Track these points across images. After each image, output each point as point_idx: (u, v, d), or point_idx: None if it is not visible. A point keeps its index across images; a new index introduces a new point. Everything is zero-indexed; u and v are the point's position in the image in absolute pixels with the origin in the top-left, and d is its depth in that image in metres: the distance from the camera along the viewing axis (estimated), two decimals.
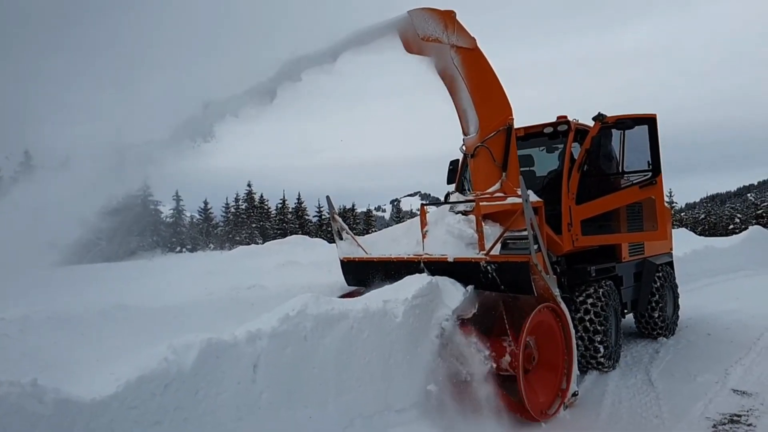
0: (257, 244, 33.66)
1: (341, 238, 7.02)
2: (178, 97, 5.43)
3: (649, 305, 8.44)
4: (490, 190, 6.33)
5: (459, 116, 6.52)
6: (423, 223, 6.24)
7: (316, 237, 22.77)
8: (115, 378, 3.20)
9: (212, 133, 5.53)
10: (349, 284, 7.00)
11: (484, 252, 5.44)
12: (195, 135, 5.45)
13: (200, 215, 58.40)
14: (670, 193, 53.50)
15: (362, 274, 6.69)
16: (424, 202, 7.15)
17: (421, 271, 5.81)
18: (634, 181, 7.41)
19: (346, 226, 7.12)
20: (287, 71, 5.60)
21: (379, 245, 6.84)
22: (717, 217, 51.86)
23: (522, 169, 6.97)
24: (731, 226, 45.92)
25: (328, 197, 7.28)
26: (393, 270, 6.11)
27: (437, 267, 5.75)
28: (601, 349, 6.65)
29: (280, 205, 62.58)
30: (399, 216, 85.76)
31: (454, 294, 5.44)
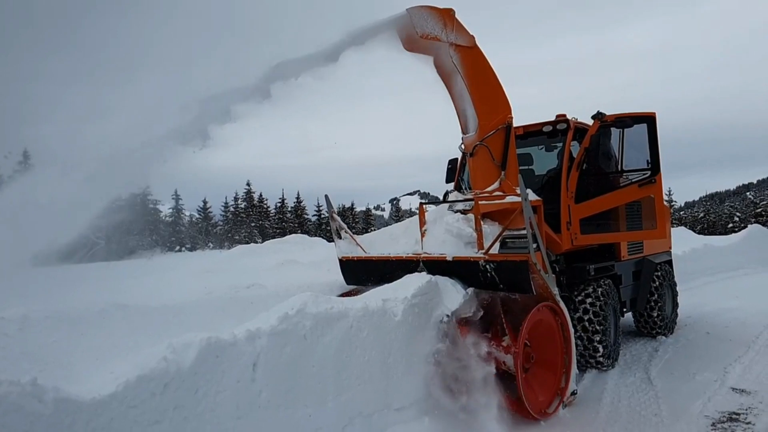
0: (256, 243, 33.69)
1: (340, 237, 7.02)
2: (171, 98, 5.31)
3: (648, 304, 8.46)
4: (489, 188, 6.33)
5: (458, 115, 6.52)
6: (422, 222, 6.24)
7: (316, 236, 22.78)
8: (115, 377, 3.20)
9: (207, 135, 5.43)
10: (347, 283, 7.00)
11: (483, 251, 5.44)
12: (191, 136, 5.36)
13: (199, 214, 58.39)
14: (670, 191, 53.54)
15: (361, 274, 6.69)
16: (423, 201, 7.16)
17: (420, 271, 5.81)
18: (633, 180, 7.42)
19: (344, 225, 7.13)
20: (280, 73, 5.54)
21: (378, 244, 6.84)
22: (716, 215, 51.86)
23: (521, 167, 6.97)
24: (730, 225, 45.92)
25: (326, 196, 7.28)
26: (391, 269, 6.11)
27: (436, 266, 5.74)
28: (600, 349, 6.66)
29: (279, 204, 62.63)
30: (398, 215, 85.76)
31: (453, 295, 5.45)
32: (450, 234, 5.89)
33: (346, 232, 7.05)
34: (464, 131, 6.57)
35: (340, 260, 6.93)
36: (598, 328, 6.67)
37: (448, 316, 5.25)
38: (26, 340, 3.99)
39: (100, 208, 5.06)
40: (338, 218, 7.07)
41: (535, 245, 5.19)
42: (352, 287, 6.89)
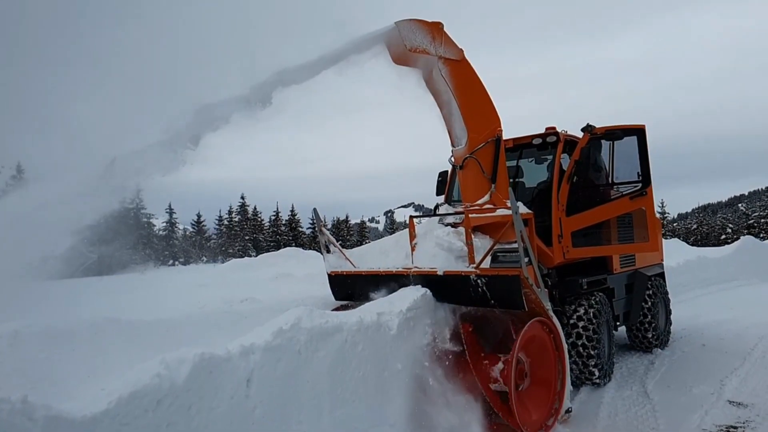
0: (250, 256, 33.57)
1: (329, 252, 6.98)
2: (164, 106, 5.23)
3: (641, 325, 8.43)
4: (480, 201, 6.30)
5: (447, 128, 6.51)
6: (412, 236, 6.20)
7: (310, 249, 22.72)
8: (107, 394, 3.17)
9: (197, 140, 5.22)
10: (336, 298, 6.92)
11: (474, 265, 5.38)
12: (184, 141, 5.17)
13: (193, 228, 58.32)
14: (662, 203, 53.72)
15: (350, 288, 6.64)
16: (416, 213, 7.15)
17: (410, 285, 5.75)
18: (625, 192, 7.44)
19: (333, 239, 7.08)
20: (263, 89, 5.38)
21: (368, 258, 6.78)
22: (709, 227, 52.17)
23: (511, 180, 6.96)
24: (723, 236, 46.19)
25: (315, 210, 7.28)
26: (381, 283, 6.04)
27: (426, 280, 5.67)
28: (596, 372, 6.61)
29: (273, 218, 62.58)
30: (393, 227, 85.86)
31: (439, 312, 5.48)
32: (440, 248, 5.83)
33: (334, 245, 7.00)
34: (454, 144, 6.55)
35: (329, 275, 6.88)
36: (592, 352, 6.59)
37: (432, 333, 5.25)
38: (17, 357, 3.96)
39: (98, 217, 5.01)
40: (327, 232, 7.03)
41: (526, 259, 5.14)
42: (347, 302, 6.84)
